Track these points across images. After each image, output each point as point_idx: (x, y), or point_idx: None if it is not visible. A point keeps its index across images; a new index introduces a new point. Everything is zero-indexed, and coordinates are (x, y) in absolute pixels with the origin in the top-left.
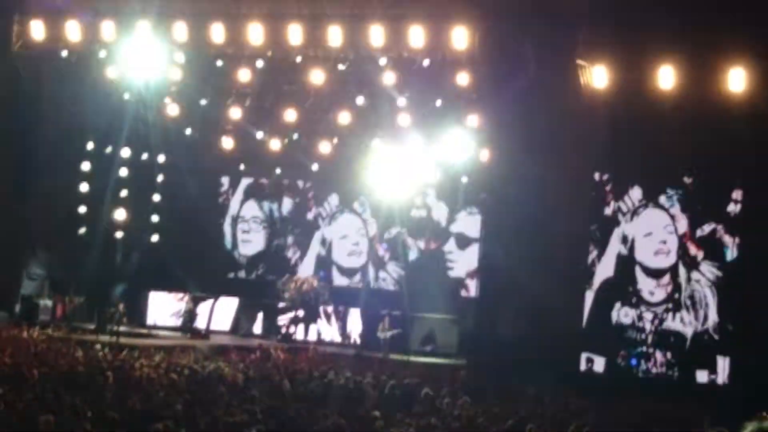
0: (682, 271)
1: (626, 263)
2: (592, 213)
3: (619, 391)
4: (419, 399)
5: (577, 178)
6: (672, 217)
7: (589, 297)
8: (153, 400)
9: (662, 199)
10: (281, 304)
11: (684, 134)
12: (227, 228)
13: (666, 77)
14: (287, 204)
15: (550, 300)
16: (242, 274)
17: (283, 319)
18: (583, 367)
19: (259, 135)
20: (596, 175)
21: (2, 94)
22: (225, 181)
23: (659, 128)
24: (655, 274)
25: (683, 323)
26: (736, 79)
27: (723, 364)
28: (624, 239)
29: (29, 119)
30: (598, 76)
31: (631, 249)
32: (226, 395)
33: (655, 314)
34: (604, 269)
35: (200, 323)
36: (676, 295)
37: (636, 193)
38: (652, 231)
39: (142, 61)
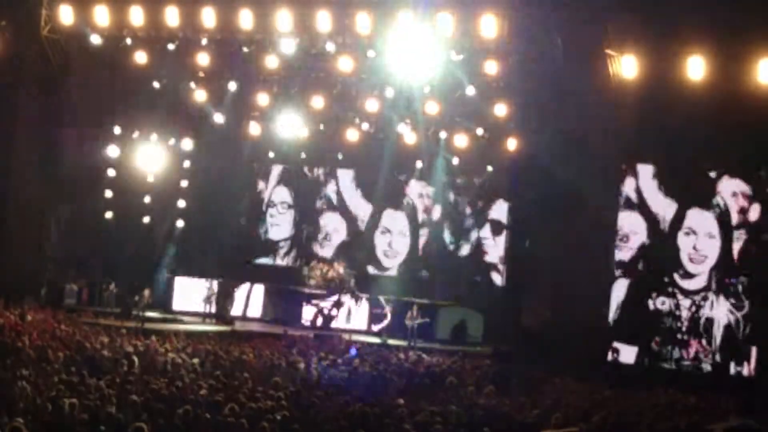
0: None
1: (664, 253)
2: (621, 202)
3: (647, 381)
4: (444, 387)
5: (605, 168)
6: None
7: (621, 286)
8: (177, 385)
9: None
10: (307, 291)
11: (712, 125)
12: (257, 213)
13: (695, 68)
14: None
15: (577, 289)
16: (269, 260)
17: (309, 306)
18: (609, 357)
19: (285, 121)
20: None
21: (31, 78)
22: (255, 167)
23: (687, 119)
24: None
25: (721, 312)
26: (766, 71)
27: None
28: (657, 230)
29: (56, 103)
30: (626, 66)
31: (668, 240)
32: (250, 381)
33: (693, 302)
34: (638, 259)
35: (234, 309)
36: (714, 285)
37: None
38: (691, 230)
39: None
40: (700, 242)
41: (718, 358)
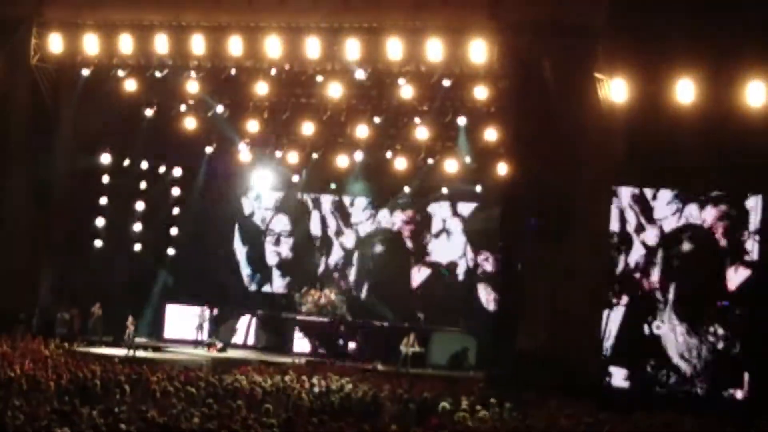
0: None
1: (657, 277)
2: (612, 226)
3: (640, 404)
4: (437, 412)
5: (596, 192)
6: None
7: (616, 309)
8: (170, 413)
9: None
10: (299, 318)
11: (703, 148)
12: (253, 240)
13: (685, 91)
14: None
15: (570, 313)
16: (263, 288)
17: (301, 333)
18: (603, 380)
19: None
20: (617, 188)
21: (21, 107)
22: (248, 194)
23: (678, 142)
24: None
25: (713, 336)
26: (755, 93)
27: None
28: (650, 252)
29: (47, 132)
30: (616, 90)
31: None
32: (243, 409)
33: (690, 325)
34: (633, 282)
35: (225, 336)
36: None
37: (661, 206)
38: (683, 247)
39: None
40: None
41: (710, 382)
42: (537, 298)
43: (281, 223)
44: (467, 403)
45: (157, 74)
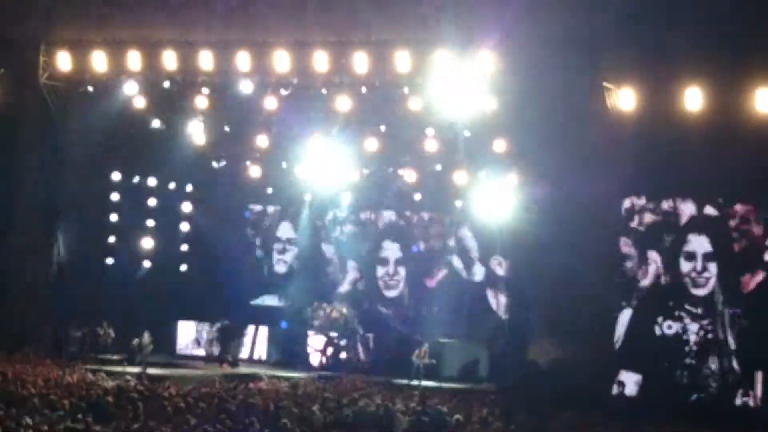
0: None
1: (668, 280)
2: (622, 233)
3: (653, 414)
4: (450, 425)
5: (606, 200)
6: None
7: (627, 313)
8: (183, 430)
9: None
10: (311, 332)
11: (711, 155)
12: (259, 252)
13: (693, 99)
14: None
15: (582, 321)
16: (271, 301)
17: (313, 347)
18: (614, 390)
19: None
20: (626, 200)
21: (30, 125)
22: (257, 207)
23: (686, 150)
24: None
25: (729, 335)
26: (764, 100)
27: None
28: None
29: (56, 149)
30: (624, 99)
31: (672, 268)
32: (256, 424)
33: (701, 326)
34: (644, 286)
35: (238, 351)
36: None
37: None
38: (692, 253)
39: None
40: (702, 266)
41: (723, 387)
42: (546, 308)
43: (286, 231)
44: (480, 416)
45: (165, 90)
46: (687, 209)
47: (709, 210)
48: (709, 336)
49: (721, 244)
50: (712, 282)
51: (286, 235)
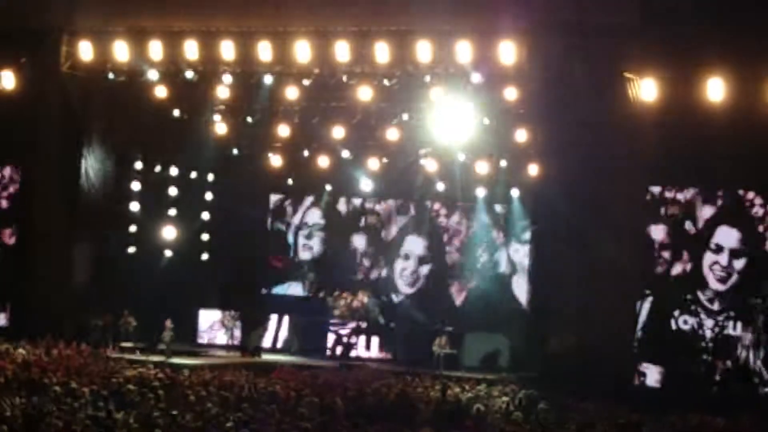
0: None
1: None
2: (647, 222)
3: (674, 404)
4: (471, 415)
5: (628, 191)
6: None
7: (645, 307)
8: (204, 418)
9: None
10: (332, 321)
11: (734, 146)
12: (289, 238)
13: (715, 89)
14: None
15: (603, 312)
16: (293, 290)
17: (333, 336)
18: (635, 381)
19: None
20: (651, 188)
21: (51, 115)
22: (278, 197)
23: (709, 140)
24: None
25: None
26: None
27: None
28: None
29: (78, 139)
30: (646, 90)
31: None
32: (277, 413)
33: (716, 322)
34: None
35: (259, 341)
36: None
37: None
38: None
39: None
40: (726, 260)
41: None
42: (568, 298)
43: (316, 217)
44: (501, 406)
45: (187, 80)
46: (711, 201)
47: (731, 201)
48: (726, 331)
49: (750, 237)
50: (735, 276)
51: (308, 223)
